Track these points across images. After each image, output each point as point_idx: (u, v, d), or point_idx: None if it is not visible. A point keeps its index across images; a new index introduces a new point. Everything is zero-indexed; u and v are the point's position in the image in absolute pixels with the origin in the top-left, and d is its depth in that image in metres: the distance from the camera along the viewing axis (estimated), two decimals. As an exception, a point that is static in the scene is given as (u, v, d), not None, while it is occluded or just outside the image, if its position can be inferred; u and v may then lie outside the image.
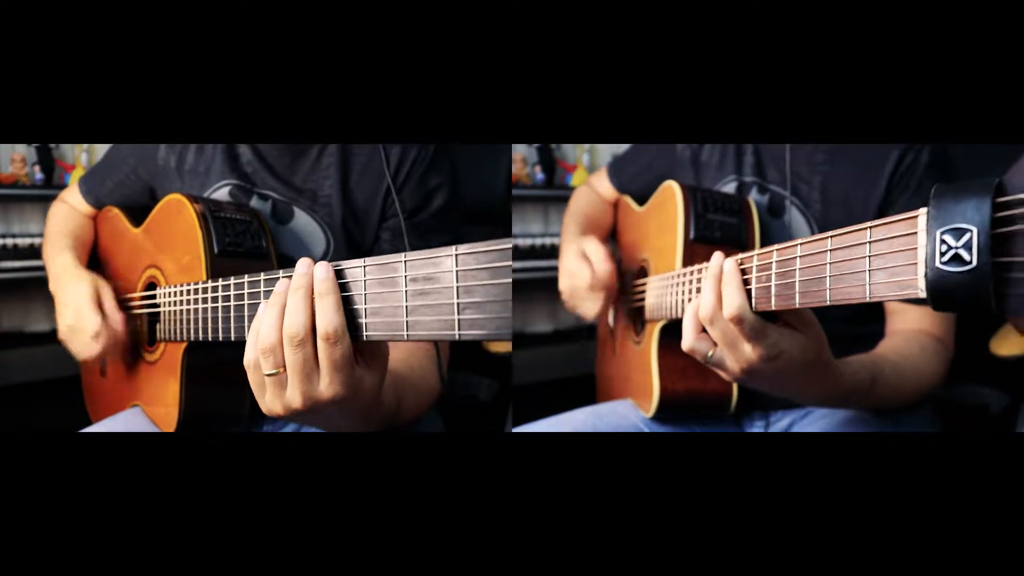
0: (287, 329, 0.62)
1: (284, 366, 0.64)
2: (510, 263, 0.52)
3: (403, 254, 0.58)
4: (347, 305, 0.62)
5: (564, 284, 1.16)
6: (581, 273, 1.09)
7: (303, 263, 0.64)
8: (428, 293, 0.56)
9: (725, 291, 0.69)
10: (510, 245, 0.52)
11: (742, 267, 0.70)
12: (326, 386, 0.63)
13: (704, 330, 0.73)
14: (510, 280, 0.52)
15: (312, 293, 0.62)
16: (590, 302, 1.10)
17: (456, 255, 0.54)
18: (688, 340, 0.75)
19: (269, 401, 0.67)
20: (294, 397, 0.64)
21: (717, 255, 0.72)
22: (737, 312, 0.68)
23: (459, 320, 0.54)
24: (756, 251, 0.68)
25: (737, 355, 0.71)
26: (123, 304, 1.01)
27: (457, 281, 0.54)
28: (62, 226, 1.14)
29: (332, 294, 0.62)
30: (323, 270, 0.62)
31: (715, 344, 0.73)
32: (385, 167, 1.00)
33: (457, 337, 0.54)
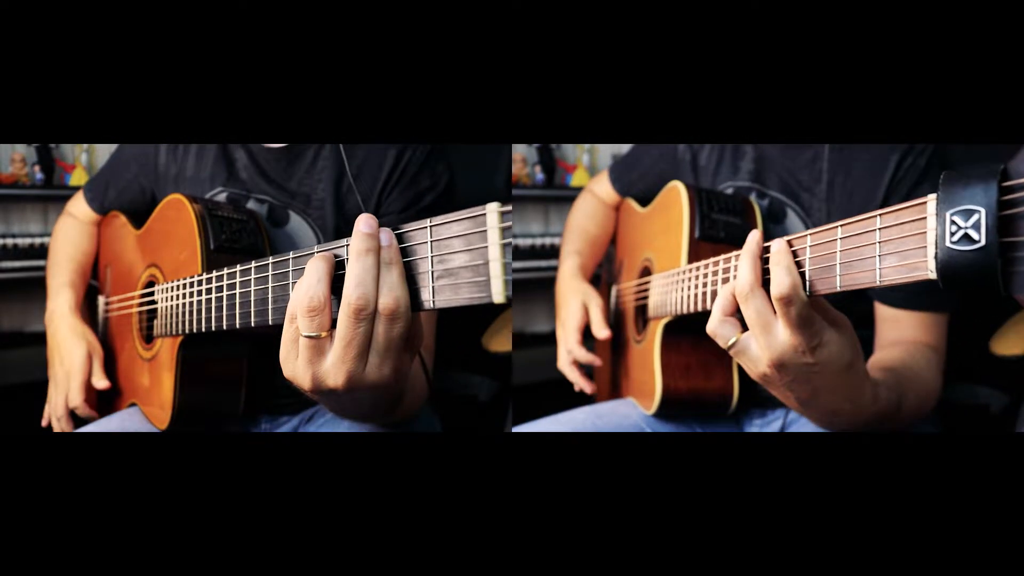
0: (355, 299, 0.55)
1: (330, 333, 0.57)
2: (484, 229, 0.52)
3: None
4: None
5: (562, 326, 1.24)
6: (575, 324, 1.20)
7: (365, 220, 0.56)
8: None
9: (775, 271, 0.62)
10: (484, 212, 0.52)
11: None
12: (375, 368, 0.57)
13: (733, 314, 0.68)
14: (486, 245, 0.52)
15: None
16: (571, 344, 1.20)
17: (431, 226, 0.55)
18: (714, 321, 0.68)
19: (300, 367, 0.59)
20: (336, 374, 0.57)
21: (754, 233, 0.67)
22: (789, 292, 0.61)
23: (433, 287, 0.55)
24: (767, 242, 0.68)
25: (769, 341, 0.63)
26: (121, 304, 1.01)
27: (431, 251, 0.55)
28: (65, 251, 1.16)
29: (398, 264, 0.55)
30: (388, 236, 0.56)
31: (743, 329, 0.67)
32: (380, 168, 1.00)
33: (433, 305, 0.55)
